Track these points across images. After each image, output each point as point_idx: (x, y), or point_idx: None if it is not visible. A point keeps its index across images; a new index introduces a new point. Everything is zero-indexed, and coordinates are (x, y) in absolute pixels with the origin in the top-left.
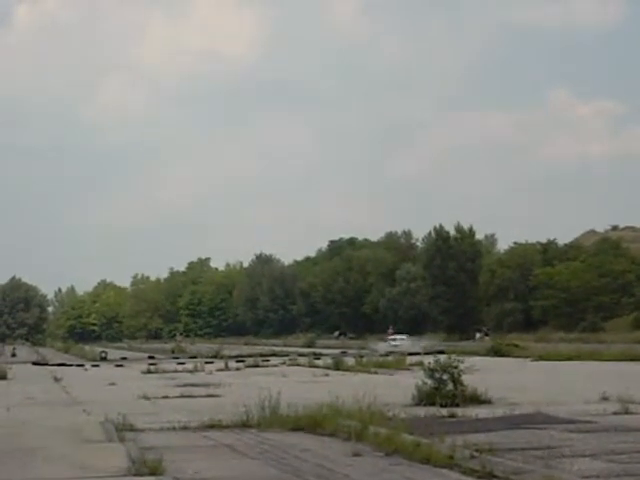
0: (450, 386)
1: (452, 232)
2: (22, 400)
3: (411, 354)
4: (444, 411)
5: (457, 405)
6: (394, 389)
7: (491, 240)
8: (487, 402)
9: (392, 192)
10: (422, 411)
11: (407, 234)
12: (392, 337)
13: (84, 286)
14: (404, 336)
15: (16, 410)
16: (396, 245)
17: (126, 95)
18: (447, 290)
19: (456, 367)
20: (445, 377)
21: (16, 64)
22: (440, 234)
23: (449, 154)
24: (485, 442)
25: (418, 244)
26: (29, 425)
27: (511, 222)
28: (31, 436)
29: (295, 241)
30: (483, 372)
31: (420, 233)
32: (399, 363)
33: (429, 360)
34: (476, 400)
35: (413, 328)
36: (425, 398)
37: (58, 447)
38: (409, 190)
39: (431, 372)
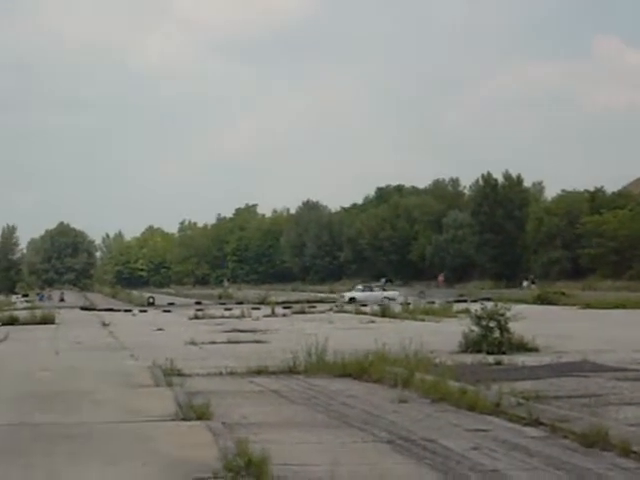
0: (497, 333)
1: (500, 180)
2: (70, 345)
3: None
4: (490, 358)
5: (504, 353)
6: (440, 336)
7: (539, 188)
8: (534, 350)
9: (440, 139)
10: (469, 358)
11: (454, 182)
12: (363, 286)
13: (132, 232)
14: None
15: (64, 354)
16: (443, 192)
17: (175, 47)
18: (494, 238)
19: (503, 315)
20: (492, 324)
21: (69, 16)
22: (488, 182)
23: (497, 103)
24: (531, 390)
25: (465, 192)
26: (77, 369)
27: (559, 170)
28: (79, 380)
29: (342, 188)
30: (530, 320)
31: (468, 181)
32: (446, 310)
33: (476, 307)
34: (523, 348)
35: (460, 275)
36: (472, 345)
37: (106, 391)
38: (457, 138)
39: (478, 319)
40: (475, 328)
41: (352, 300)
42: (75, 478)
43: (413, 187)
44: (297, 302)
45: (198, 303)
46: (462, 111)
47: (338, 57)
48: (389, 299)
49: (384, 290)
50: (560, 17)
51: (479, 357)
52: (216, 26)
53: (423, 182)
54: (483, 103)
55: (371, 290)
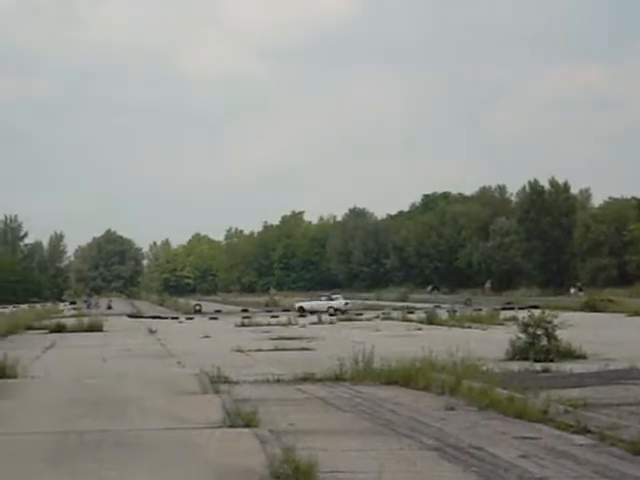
0: (544, 341)
1: (547, 186)
2: (118, 352)
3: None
4: (538, 366)
5: (551, 360)
6: (487, 343)
7: (586, 195)
8: (581, 357)
9: (487, 146)
10: (516, 366)
11: (501, 188)
12: (325, 295)
13: (179, 239)
14: (338, 295)
15: (112, 362)
16: (490, 199)
17: (223, 50)
18: (541, 245)
19: (550, 322)
20: (539, 332)
21: (113, 19)
22: (535, 188)
23: (544, 108)
24: (579, 397)
25: (512, 198)
26: (124, 376)
27: (606, 177)
28: (126, 387)
29: (389, 195)
30: (577, 327)
31: (514, 188)
32: (492, 318)
33: (523, 315)
34: (570, 355)
35: (506, 283)
36: (519, 353)
37: (153, 398)
38: (504, 144)
39: (525, 327)
40: (522, 335)
41: (301, 309)
42: None
43: (460, 194)
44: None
45: (245, 310)
46: (509, 117)
47: (384, 62)
48: (334, 308)
49: (330, 299)
50: (609, 19)
51: (526, 364)
52: (262, 30)
53: (470, 189)
54: (530, 108)
55: (319, 299)
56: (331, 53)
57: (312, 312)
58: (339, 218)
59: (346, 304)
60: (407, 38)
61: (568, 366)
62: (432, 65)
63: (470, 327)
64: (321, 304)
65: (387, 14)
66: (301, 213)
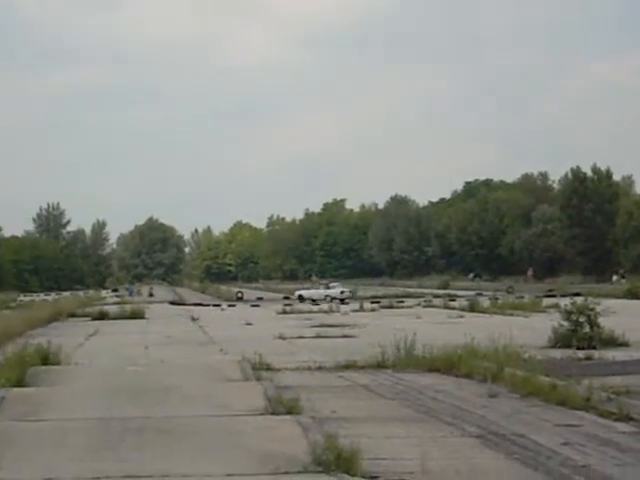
0: (587, 328)
1: (589, 173)
2: (160, 339)
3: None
4: (580, 353)
5: (594, 347)
6: (530, 331)
7: (628, 182)
8: (624, 345)
9: (528, 133)
10: (558, 353)
11: (543, 175)
12: (324, 283)
13: (220, 227)
14: (336, 283)
15: (154, 349)
16: (532, 187)
17: (267, 37)
18: (584, 232)
19: (593, 309)
20: (582, 319)
21: (159, 9)
22: (577, 175)
23: (586, 95)
24: (622, 385)
25: (554, 186)
26: (167, 364)
27: None
28: (168, 374)
29: (430, 183)
30: (620, 315)
31: (556, 175)
32: (535, 305)
33: (565, 302)
34: (613, 343)
35: (548, 270)
36: (561, 340)
37: (195, 385)
38: (545, 132)
39: (567, 314)
40: (565, 323)
41: (300, 297)
42: (165, 471)
43: (501, 181)
44: (385, 297)
45: (286, 298)
46: (552, 103)
47: (426, 50)
48: (331, 297)
49: (327, 288)
50: None
51: (569, 352)
52: (307, 18)
53: (511, 176)
54: (572, 97)
55: (317, 288)
56: (375, 40)
57: (312, 300)
58: (381, 206)
59: (342, 292)
60: (451, 23)
61: (611, 354)
62: (475, 51)
63: (512, 314)
64: (319, 292)
65: (433, 4)
66: (343, 200)
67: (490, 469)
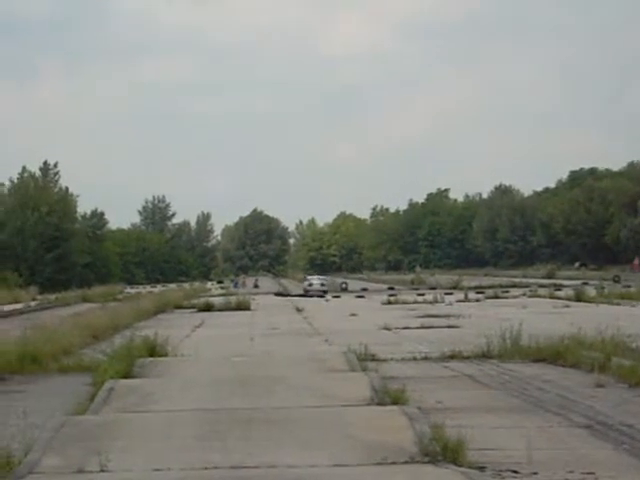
0: None
1: None
2: (265, 330)
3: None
4: None
5: None
6: (637, 320)
7: None
8: None
9: (634, 121)
10: None
11: None
12: (310, 277)
13: (324, 218)
14: (323, 276)
15: (260, 340)
16: (638, 175)
17: (367, 27)
18: None
19: None
20: None
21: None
22: None
23: None
24: None
25: None
26: (272, 354)
27: None
28: (274, 365)
29: (535, 172)
30: None
31: None
32: None
33: None
34: None
35: None
36: None
37: (301, 376)
38: None
39: None
40: None
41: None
42: (272, 461)
43: (607, 170)
44: (490, 287)
45: (391, 288)
46: None
47: (527, 39)
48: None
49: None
50: None
51: None
52: (406, 8)
53: (617, 164)
54: None
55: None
56: (470, 31)
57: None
58: (485, 195)
59: (322, 285)
60: (550, 12)
61: None
62: (577, 39)
63: (619, 304)
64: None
65: None
66: (447, 190)
67: (598, 459)
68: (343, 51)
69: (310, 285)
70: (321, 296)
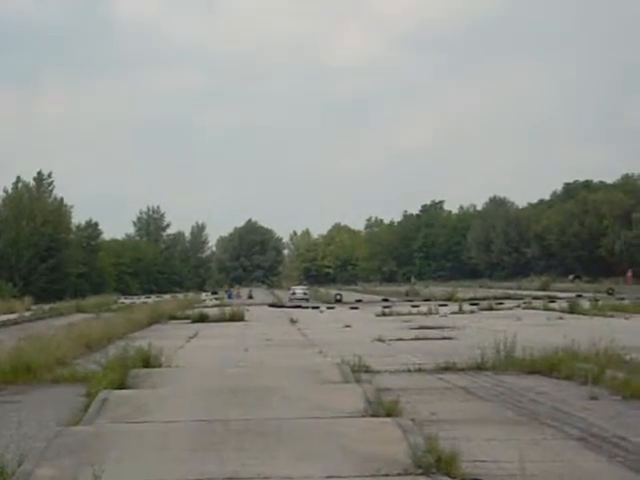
0: None
1: None
2: (259, 341)
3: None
4: None
5: None
6: (631, 333)
7: None
8: None
9: (628, 134)
10: None
11: None
12: (294, 287)
13: (319, 229)
14: (305, 286)
15: (254, 351)
16: (633, 187)
17: (366, 39)
18: None
19: None
20: None
21: (258, 11)
22: None
23: None
24: None
25: None
26: (266, 366)
27: None
28: (268, 376)
29: (529, 184)
30: None
31: None
32: (636, 307)
33: None
34: None
35: None
36: None
37: (295, 387)
38: None
39: None
40: None
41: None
42: (266, 472)
43: (601, 182)
44: (484, 299)
45: (385, 300)
46: None
47: (520, 50)
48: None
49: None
50: None
51: None
52: (406, 19)
53: (611, 177)
54: None
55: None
56: (474, 41)
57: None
58: (479, 207)
59: (305, 294)
60: (550, 25)
61: None
62: (574, 52)
63: (613, 316)
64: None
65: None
66: (441, 202)
67: (592, 472)
68: (344, 61)
69: (293, 294)
70: (300, 306)
